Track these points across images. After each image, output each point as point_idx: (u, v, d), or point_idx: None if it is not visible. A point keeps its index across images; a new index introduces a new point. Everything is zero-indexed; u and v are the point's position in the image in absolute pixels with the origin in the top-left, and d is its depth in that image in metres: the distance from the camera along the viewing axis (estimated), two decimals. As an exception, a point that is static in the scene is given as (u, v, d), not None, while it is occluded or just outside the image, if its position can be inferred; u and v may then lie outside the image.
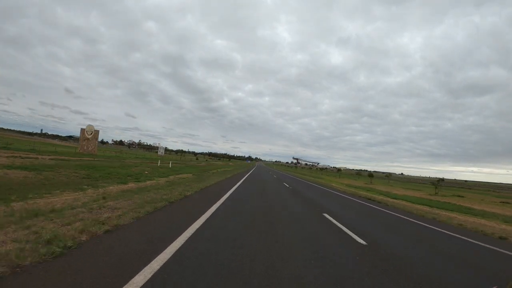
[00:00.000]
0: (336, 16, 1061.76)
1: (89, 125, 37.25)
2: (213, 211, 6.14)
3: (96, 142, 38.12)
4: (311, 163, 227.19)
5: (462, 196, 26.24)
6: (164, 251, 3.09)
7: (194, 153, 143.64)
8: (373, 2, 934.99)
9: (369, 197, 16.20)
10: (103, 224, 3.78)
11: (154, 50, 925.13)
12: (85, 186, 8.15)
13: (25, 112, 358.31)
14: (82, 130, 37.03)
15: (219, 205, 7.10)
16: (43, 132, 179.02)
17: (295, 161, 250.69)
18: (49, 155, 19.37)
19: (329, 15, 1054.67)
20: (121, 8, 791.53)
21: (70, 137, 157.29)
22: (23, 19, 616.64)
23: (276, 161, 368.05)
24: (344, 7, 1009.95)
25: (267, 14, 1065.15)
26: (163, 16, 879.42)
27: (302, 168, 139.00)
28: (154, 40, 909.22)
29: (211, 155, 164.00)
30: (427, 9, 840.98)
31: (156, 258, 2.83)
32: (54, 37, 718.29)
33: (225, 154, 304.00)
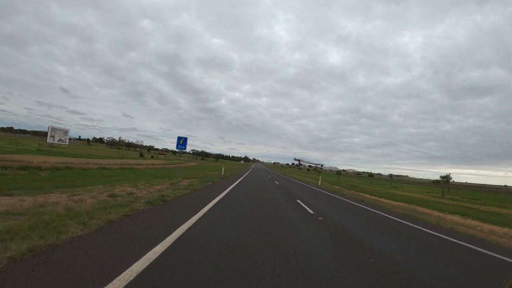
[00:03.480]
0: (334, 14, 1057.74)
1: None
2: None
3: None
4: (314, 165, 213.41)
5: None
6: None
7: (174, 152, 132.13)
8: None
9: None
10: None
11: (150, 49, 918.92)
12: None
13: (22, 112, 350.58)
14: None
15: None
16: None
17: (296, 162, 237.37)
18: None
19: (328, 13, 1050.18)
20: (116, 5, 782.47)
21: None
22: (19, 16, 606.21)
23: (275, 163, 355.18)
24: (343, 4, 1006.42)
25: (264, 12, 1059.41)
26: (158, 14, 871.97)
27: (308, 170, 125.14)
28: (150, 38, 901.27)
29: (202, 154, 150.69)
30: (427, 7, 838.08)
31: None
32: (50, 35, 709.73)
33: (219, 154, 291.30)
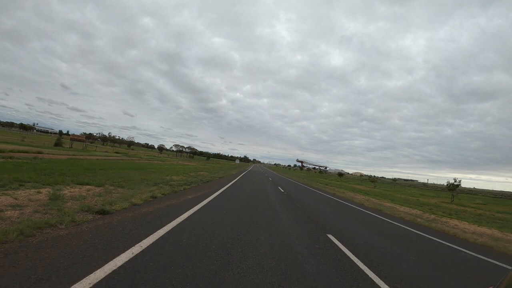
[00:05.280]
0: (337, 15, 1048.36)
1: None
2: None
3: None
4: (318, 167, 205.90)
5: None
6: None
7: (158, 148, 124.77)
8: (375, 0, 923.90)
9: None
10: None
11: (151, 47, 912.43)
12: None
13: (23, 108, 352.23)
14: None
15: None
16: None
17: (299, 164, 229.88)
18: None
19: (330, 13, 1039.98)
20: (116, 2, 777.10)
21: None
22: (19, 11, 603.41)
23: (276, 164, 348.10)
24: (346, 5, 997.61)
25: (265, 11, 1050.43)
26: (159, 11, 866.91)
27: (325, 174, 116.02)
28: (150, 36, 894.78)
29: (191, 152, 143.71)
30: (431, 9, 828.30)
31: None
32: (50, 31, 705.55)
33: (217, 154, 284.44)
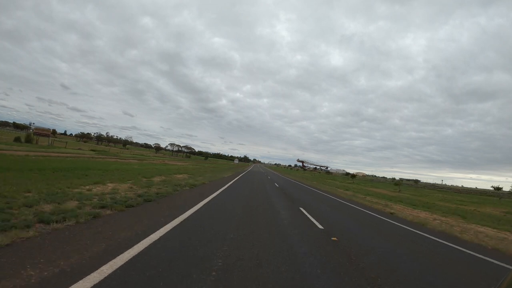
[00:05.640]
0: (337, 15, 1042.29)
1: None
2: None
3: None
4: (319, 167, 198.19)
5: None
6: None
7: (158, 148, 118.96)
8: (375, 0, 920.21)
9: None
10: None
11: (151, 47, 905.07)
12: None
13: (23, 108, 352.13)
14: None
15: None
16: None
17: (299, 163, 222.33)
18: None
19: (330, 13, 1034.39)
20: (116, 2, 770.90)
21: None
22: (19, 11, 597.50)
23: (276, 164, 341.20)
24: (346, 5, 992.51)
25: (265, 11, 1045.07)
26: (159, 11, 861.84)
27: (331, 175, 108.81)
28: (150, 36, 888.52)
29: (192, 153, 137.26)
30: (431, 8, 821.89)
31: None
32: (50, 31, 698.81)
33: (217, 153, 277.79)
